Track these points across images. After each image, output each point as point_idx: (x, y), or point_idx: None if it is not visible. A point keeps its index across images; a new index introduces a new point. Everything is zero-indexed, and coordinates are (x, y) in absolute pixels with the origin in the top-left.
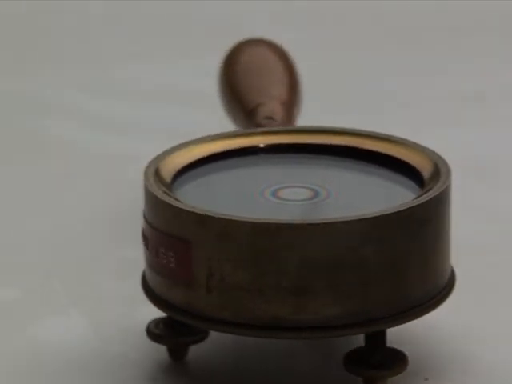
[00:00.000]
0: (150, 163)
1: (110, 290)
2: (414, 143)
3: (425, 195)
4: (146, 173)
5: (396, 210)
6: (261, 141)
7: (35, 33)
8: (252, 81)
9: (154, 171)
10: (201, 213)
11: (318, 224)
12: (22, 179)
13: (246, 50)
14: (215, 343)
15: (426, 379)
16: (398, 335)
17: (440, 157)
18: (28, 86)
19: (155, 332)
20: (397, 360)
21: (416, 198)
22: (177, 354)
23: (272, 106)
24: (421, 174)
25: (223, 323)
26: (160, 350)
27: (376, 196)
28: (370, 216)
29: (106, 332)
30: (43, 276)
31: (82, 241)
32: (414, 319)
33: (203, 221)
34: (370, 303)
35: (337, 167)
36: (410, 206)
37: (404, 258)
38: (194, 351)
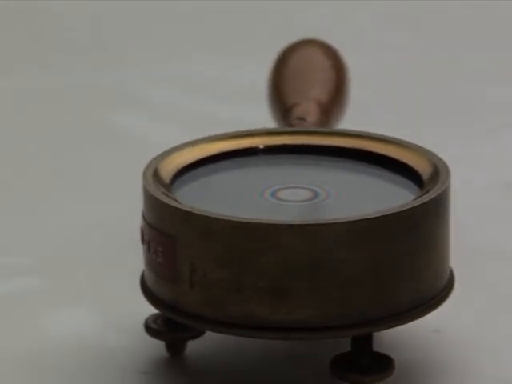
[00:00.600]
0: (150, 163)
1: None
2: (414, 144)
3: (419, 198)
4: (144, 173)
5: (378, 215)
6: (261, 141)
7: (99, 26)
8: (294, 81)
9: (153, 171)
10: (186, 209)
11: (292, 226)
12: (89, 169)
13: (297, 50)
14: (214, 338)
15: None
16: (392, 340)
17: (440, 158)
18: (94, 79)
19: (153, 327)
20: (383, 364)
21: (413, 200)
22: (175, 349)
23: (306, 107)
24: (420, 175)
25: (204, 320)
26: (158, 345)
27: (376, 197)
28: (348, 220)
29: (107, 326)
30: (64, 267)
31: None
32: (400, 324)
33: (188, 217)
34: (349, 307)
35: (337, 168)
36: (394, 211)
37: (390, 261)
38: (193, 346)
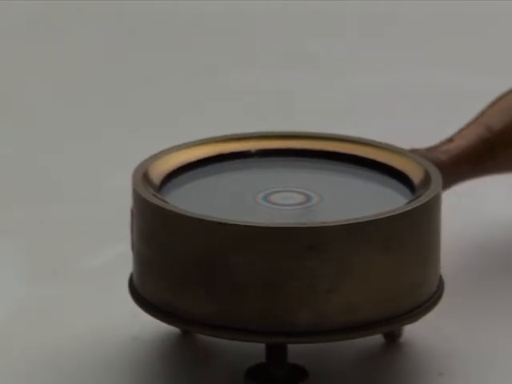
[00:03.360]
0: (140, 165)
1: None
2: (406, 150)
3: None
4: (134, 175)
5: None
6: (253, 145)
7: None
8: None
9: (142, 174)
10: (157, 204)
11: (192, 218)
12: None
13: None
14: None
15: None
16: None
17: (431, 164)
18: None
19: None
20: (298, 375)
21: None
22: None
23: (450, 147)
24: (412, 180)
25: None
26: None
27: (368, 201)
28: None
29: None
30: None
31: None
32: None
33: (160, 212)
34: (243, 311)
35: (329, 172)
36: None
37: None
38: None
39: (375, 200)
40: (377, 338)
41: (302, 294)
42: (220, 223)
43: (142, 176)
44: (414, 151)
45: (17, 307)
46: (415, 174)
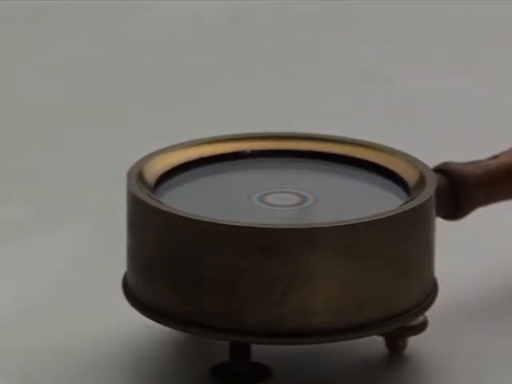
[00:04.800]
0: (134, 165)
1: None
2: (401, 152)
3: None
4: (129, 174)
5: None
6: (249, 146)
7: None
8: None
9: (137, 173)
10: (142, 199)
11: (158, 209)
12: None
13: None
14: None
15: None
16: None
17: (426, 166)
18: None
19: None
20: (261, 374)
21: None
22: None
23: (491, 163)
24: (406, 182)
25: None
26: None
27: (364, 202)
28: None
29: None
30: None
31: None
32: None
33: (148, 208)
34: (202, 306)
35: (326, 173)
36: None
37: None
38: None
39: (371, 201)
40: (380, 350)
41: (256, 295)
42: (182, 217)
43: (137, 176)
44: (445, 163)
45: (64, 284)
46: (410, 176)
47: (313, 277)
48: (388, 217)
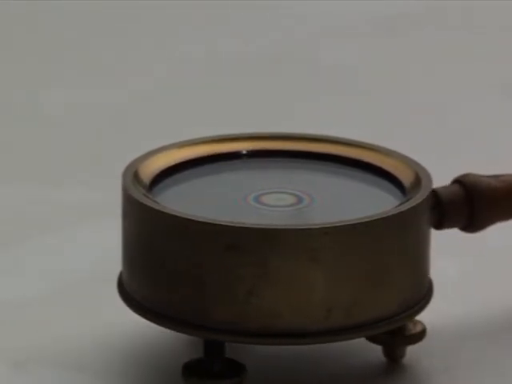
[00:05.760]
0: (130, 164)
1: None
2: (397, 152)
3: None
4: (124, 173)
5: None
6: (245, 146)
7: None
8: None
9: (133, 172)
10: (134, 196)
11: (140, 203)
12: None
13: None
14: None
15: None
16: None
17: (422, 167)
18: None
19: None
20: (235, 370)
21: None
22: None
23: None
24: (402, 182)
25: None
26: None
27: (360, 202)
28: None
29: None
30: None
31: None
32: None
33: (136, 204)
34: (171, 299)
35: (321, 173)
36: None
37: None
38: None
39: (367, 201)
40: (378, 358)
41: (222, 293)
42: (158, 210)
43: (133, 175)
44: (465, 175)
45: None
46: (406, 177)
47: (277, 279)
48: (352, 224)
